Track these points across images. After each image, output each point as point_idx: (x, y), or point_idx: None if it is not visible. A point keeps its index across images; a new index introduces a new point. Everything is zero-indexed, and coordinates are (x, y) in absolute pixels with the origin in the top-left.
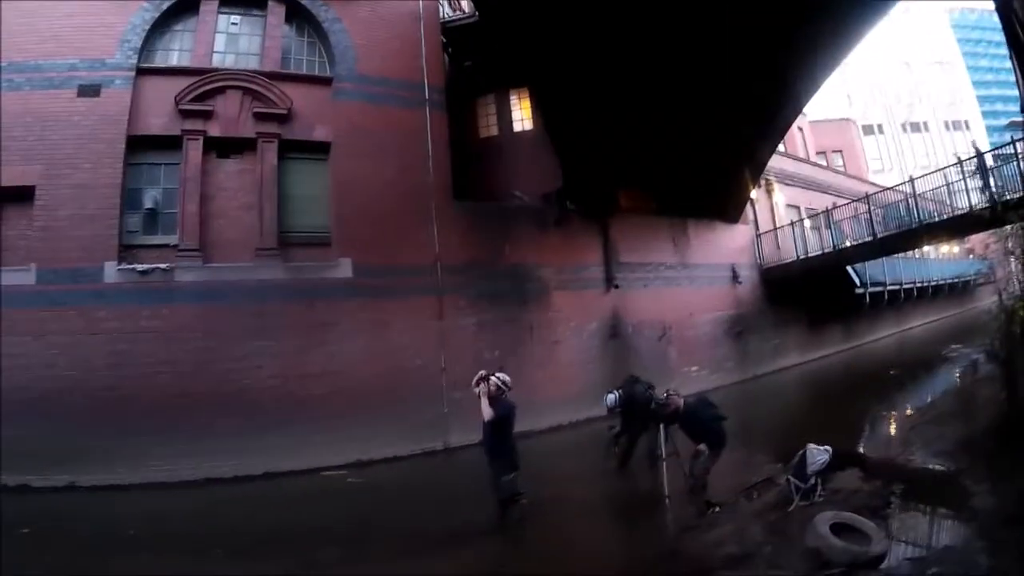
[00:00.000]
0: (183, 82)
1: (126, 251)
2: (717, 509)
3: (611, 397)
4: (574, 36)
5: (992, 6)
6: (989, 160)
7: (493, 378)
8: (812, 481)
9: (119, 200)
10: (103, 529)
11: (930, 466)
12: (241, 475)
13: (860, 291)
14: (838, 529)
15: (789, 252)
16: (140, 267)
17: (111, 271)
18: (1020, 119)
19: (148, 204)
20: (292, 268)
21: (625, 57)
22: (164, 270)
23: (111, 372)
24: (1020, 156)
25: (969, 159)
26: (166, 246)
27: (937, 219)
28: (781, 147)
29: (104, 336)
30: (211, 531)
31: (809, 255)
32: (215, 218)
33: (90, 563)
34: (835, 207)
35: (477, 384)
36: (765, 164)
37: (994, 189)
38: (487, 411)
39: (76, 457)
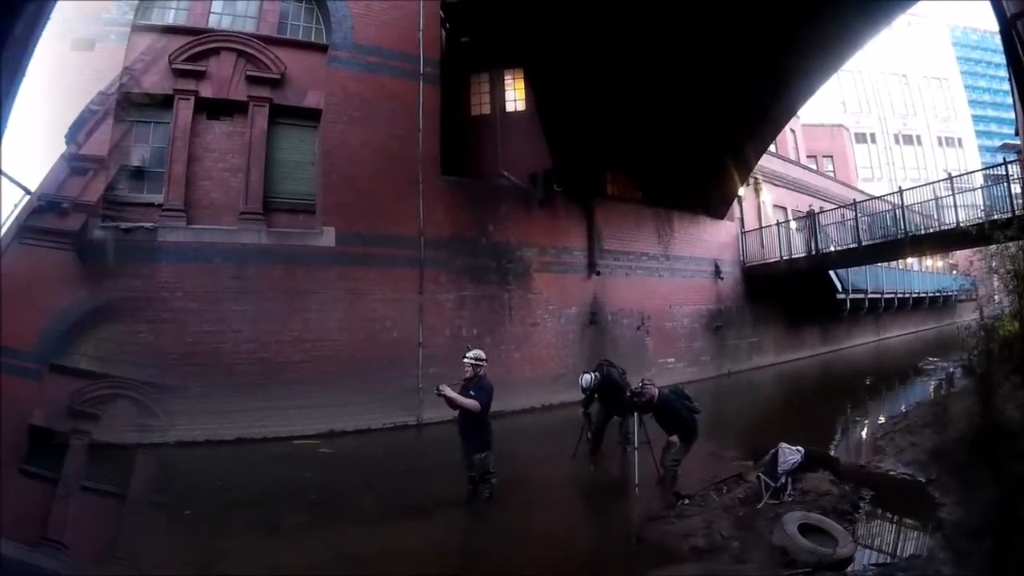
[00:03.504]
0: (178, 41)
1: (110, 208)
2: (686, 501)
3: (587, 377)
4: (572, 16)
5: (994, 28)
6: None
7: (467, 359)
8: (782, 480)
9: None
10: None
11: (900, 474)
12: (214, 439)
13: (841, 296)
14: (805, 530)
15: (773, 252)
16: (123, 225)
17: (94, 228)
18: (1014, 141)
19: (135, 162)
20: (275, 234)
21: (620, 41)
22: (147, 229)
23: None
24: (1013, 178)
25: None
26: (151, 205)
27: (923, 231)
28: (772, 147)
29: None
30: (181, 493)
31: (793, 256)
32: (201, 179)
33: None
34: (821, 211)
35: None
36: (755, 163)
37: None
38: (473, 403)
39: None
